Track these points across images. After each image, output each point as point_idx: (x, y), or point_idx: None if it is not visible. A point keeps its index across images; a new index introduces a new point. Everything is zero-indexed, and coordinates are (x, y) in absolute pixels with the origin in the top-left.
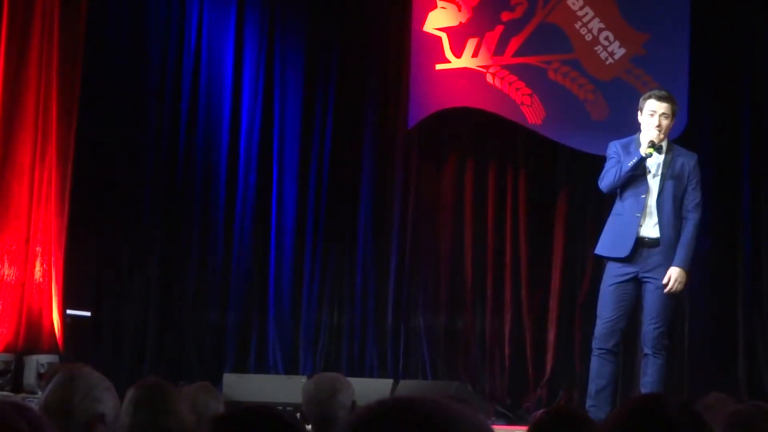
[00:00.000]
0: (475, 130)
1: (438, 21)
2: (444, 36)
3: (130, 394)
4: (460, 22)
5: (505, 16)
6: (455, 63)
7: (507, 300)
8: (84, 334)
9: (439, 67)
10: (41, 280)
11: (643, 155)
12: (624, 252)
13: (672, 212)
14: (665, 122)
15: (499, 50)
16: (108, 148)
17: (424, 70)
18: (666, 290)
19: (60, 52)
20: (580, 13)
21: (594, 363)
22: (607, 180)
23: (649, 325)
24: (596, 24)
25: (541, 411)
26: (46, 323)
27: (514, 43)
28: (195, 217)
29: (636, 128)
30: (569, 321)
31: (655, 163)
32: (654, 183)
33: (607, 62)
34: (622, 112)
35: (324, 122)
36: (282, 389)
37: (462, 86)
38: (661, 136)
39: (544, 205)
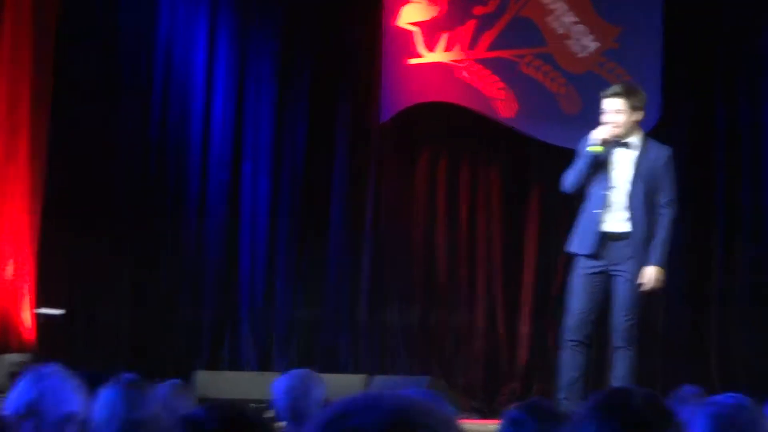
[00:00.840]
0: (448, 124)
1: (410, 15)
2: (416, 30)
3: (105, 390)
4: (433, 17)
5: (478, 11)
6: (428, 57)
7: (480, 294)
8: (57, 332)
9: (411, 61)
10: (13, 278)
11: (591, 152)
12: (588, 249)
13: (643, 207)
14: (619, 118)
15: (471, 44)
16: (80, 145)
17: (396, 64)
18: (644, 289)
19: (32, 49)
20: (552, 7)
21: (565, 355)
22: (567, 179)
23: (620, 318)
24: (569, 17)
25: (514, 404)
26: (19, 322)
27: (487, 38)
28: (168, 214)
29: None
30: (543, 314)
31: (626, 158)
32: (623, 178)
33: (580, 55)
34: (595, 105)
35: (297, 117)
36: (255, 386)
37: (435, 81)
38: (615, 131)
39: (517, 198)
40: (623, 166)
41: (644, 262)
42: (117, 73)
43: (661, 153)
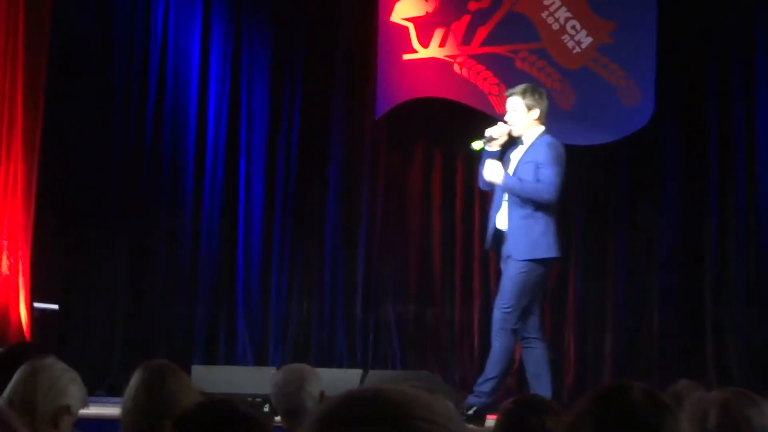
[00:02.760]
0: (442, 120)
1: (405, 11)
2: (411, 26)
3: (138, 375)
4: (427, 12)
5: (472, 6)
6: (422, 53)
7: (476, 288)
8: (52, 327)
9: (406, 57)
10: (8, 273)
11: (473, 148)
12: (487, 245)
13: (516, 200)
14: (514, 116)
15: (466, 40)
16: (74, 141)
17: (391, 60)
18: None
19: (25, 45)
20: (546, 2)
21: (524, 355)
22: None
23: (495, 308)
24: (563, 13)
25: (510, 399)
26: (14, 317)
27: (481, 33)
28: (163, 209)
29: (600, 116)
30: None
31: (516, 156)
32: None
33: (574, 51)
34: (589, 101)
35: (291, 113)
36: (251, 380)
37: (429, 76)
38: (506, 129)
39: None
40: (512, 164)
41: (516, 254)
42: (111, 69)
43: (540, 142)
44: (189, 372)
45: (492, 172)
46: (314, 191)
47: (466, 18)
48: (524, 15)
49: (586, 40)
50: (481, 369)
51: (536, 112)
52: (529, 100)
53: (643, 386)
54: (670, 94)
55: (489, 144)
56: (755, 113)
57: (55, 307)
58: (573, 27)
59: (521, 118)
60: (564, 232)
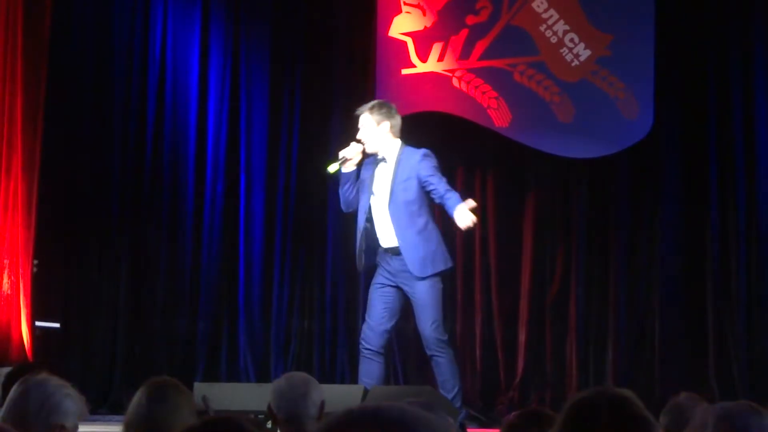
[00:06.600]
0: (442, 135)
1: (403, 26)
2: (409, 41)
3: (142, 390)
4: (425, 27)
5: (470, 20)
6: (421, 67)
7: (477, 302)
8: (53, 345)
9: (405, 71)
10: (9, 292)
11: (329, 172)
12: (361, 267)
13: (406, 217)
14: (364, 132)
15: (464, 54)
16: (74, 157)
17: (390, 75)
18: (465, 227)
19: (24, 62)
20: (544, 16)
21: (363, 364)
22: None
23: (424, 327)
24: (561, 26)
25: (513, 413)
26: (15, 336)
27: (480, 47)
28: (163, 225)
29: (600, 129)
30: (539, 322)
31: (384, 172)
32: (383, 193)
33: (573, 64)
34: (588, 113)
35: (291, 128)
36: (253, 397)
37: (428, 91)
38: (359, 147)
39: (512, 207)
40: (382, 180)
41: (417, 272)
42: (110, 85)
43: (414, 157)
44: (191, 388)
45: (465, 218)
46: (314, 207)
47: (465, 32)
48: (522, 29)
49: (585, 53)
50: (483, 382)
51: (386, 125)
52: (377, 115)
53: (616, 398)
54: (669, 105)
55: (344, 165)
56: (755, 124)
57: (57, 325)
58: (571, 40)
59: (372, 133)
60: (565, 243)
